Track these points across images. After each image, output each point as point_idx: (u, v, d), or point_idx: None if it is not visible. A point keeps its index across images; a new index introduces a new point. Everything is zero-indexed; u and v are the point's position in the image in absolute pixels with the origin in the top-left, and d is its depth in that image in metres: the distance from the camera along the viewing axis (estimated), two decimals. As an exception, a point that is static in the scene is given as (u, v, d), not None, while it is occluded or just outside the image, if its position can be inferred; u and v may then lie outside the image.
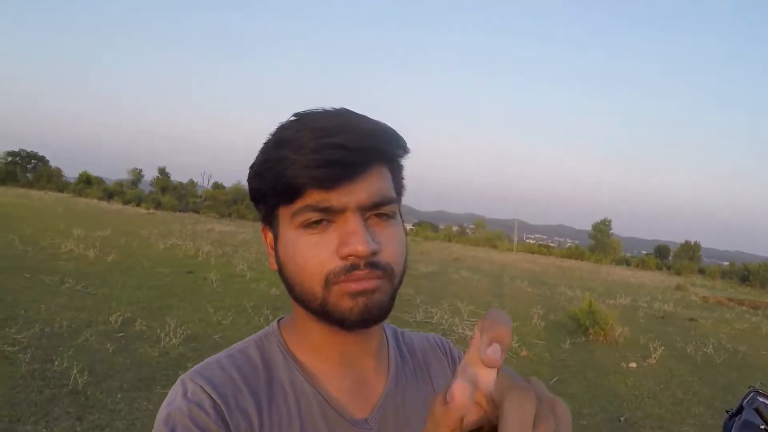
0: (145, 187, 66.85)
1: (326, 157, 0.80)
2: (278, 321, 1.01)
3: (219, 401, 0.83)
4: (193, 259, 14.98)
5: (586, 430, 5.86)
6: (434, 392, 1.07)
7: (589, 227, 72.58)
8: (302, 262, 0.85)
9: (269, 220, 0.92)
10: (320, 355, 0.94)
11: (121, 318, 7.70)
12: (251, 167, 0.90)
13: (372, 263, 0.83)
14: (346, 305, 0.83)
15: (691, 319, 14.99)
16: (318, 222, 0.84)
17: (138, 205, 46.37)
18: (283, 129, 0.87)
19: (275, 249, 0.92)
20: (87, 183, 56.52)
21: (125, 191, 54.78)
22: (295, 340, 0.96)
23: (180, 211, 47.36)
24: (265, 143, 0.89)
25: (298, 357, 0.94)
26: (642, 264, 52.50)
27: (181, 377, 0.87)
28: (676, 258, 62.19)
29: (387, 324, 1.07)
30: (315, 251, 0.84)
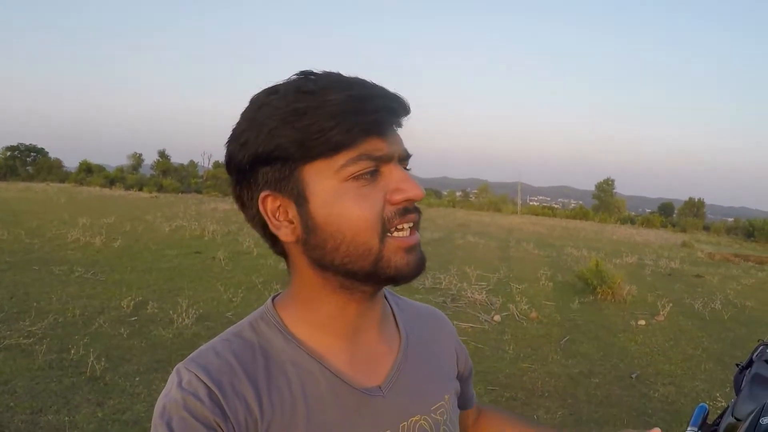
0: (146, 171, 66.71)
1: (386, 104, 0.81)
2: (272, 299, 0.97)
3: (215, 389, 0.80)
4: (200, 240, 15.00)
5: (598, 388, 5.91)
6: (438, 354, 1.10)
7: (592, 187, 72.47)
8: (357, 214, 0.81)
9: (279, 185, 0.84)
10: (326, 330, 0.91)
11: (132, 302, 7.75)
12: (265, 114, 0.81)
13: (417, 208, 0.86)
14: (402, 260, 0.84)
15: (698, 276, 14.97)
16: (371, 172, 0.82)
17: (140, 189, 46.32)
18: (298, 82, 0.82)
19: (303, 212, 0.84)
20: (88, 171, 56.39)
21: (126, 177, 54.69)
22: (295, 318, 0.92)
23: (183, 192, 47.33)
24: (280, 91, 0.82)
25: (299, 335, 0.91)
26: (647, 222, 52.27)
27: (176, 366, 0.85)
28: (681, 215, 61.96)
29: (387, 290, 1.06)
30: (369, 201, 0.81)
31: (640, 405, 5.59)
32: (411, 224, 0.84)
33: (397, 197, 0.82)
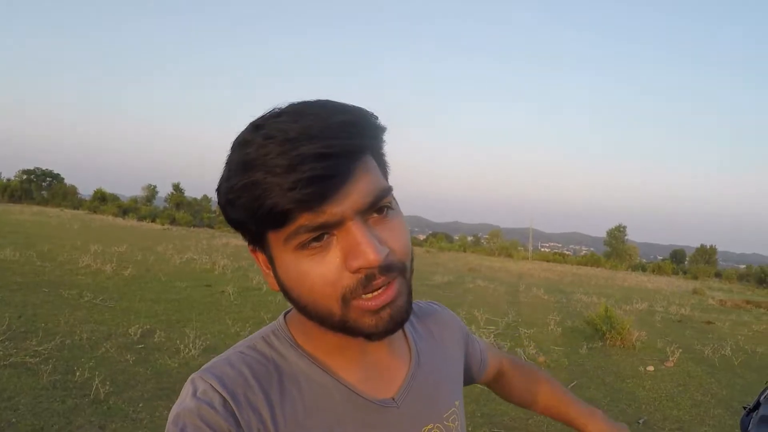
0: (159, 203, 67.10)
1: (308, 175, 0.72)
2: (284, 315, 0.97)
3: (229, 399, 0.80)
4: (210, 273, 14.96)
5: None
6: (447, 359, 1.12)
7: (603, 234, 72.37)
8: (310, 284, 0.79)
9: (257, 243, 0.85)
10: (335, 351, 0.91)
11: (140, 330, 7.73)
12: (219, 191, 0.82)
13: (386, 267, 0.79)
14: (369, 322, 0.80)
15: (709, 322, 14.79)
16: (318, 239, 0.77)
17: (153, 221, 46.37)
18: (243, 146, 0.77)
19: (274, 271, 0.85)
20: (102, 200, 56.61)
21: (140, 208, 54.94)
22: (305, 338, 0.92)
23: (195, 226, 47.48)
24: (227, 163, 0.81)
25: (311, 351, 0.91)
26: (658, 269, 51.98)
27: (191, 376, 0.85)
28: (692, 262, 61.80)
29: None
30: (321, 271, 0.78)
31: (646, 451, 5.52)
32: (379, 289, 0.79)
33: (352, 264, 0.76)
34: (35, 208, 43.19)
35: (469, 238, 77.96)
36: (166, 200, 64.96)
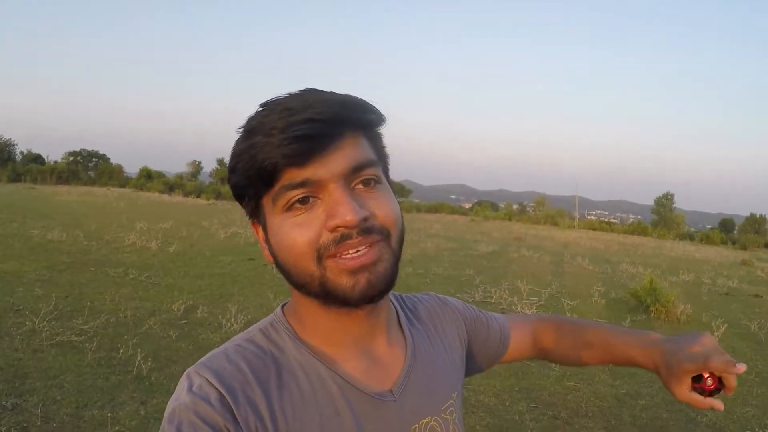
0: (204, 178, 67.64)
1: (295, 134, 0.79)
2: (282, 307, 0.98)
3: (226, 394, 0.81)
4: (254, 247, 14.98)
5: (644, 410, 5.70)
6: (445, 351, 1.11)
7: (651, 202, 71.28)
8: (291, 242, 0.83)
9: (256, 215, 0.91)
10: (332, 340, 0.92)
11: (183, 306, 7.88)
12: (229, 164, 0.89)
13: (365, 230, 0.82)
14: (346, 282, 0.82)
15: (756, 296, 14.22)
16: (303, 201, 0.82)
17: (198, 196, 46.71)
18: (250, 119, 0.85)
19: (267, 240, 0.89)
20: (148, 177, 57.07)
21: (185, 184, 55.25)
22: (302, 327, 0.93)
23: (240, 200, 47.63)
24: (237, 139, 0.87)
25: (309, 342, 0.92)
26: (706, 239, 50.82)
27: (187, 371, 0.86)
28: (742, 232, 60.45)
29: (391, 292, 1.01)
30: (302, 230, 0.82)
31: (687, 430, 5.40)
32: (356, 250, 0.82)
33: (330, 223, 0.81)
34: (82, 189, 43.75)
35: (515, 207, 77.04)
36: (211, 175, 65.43)
